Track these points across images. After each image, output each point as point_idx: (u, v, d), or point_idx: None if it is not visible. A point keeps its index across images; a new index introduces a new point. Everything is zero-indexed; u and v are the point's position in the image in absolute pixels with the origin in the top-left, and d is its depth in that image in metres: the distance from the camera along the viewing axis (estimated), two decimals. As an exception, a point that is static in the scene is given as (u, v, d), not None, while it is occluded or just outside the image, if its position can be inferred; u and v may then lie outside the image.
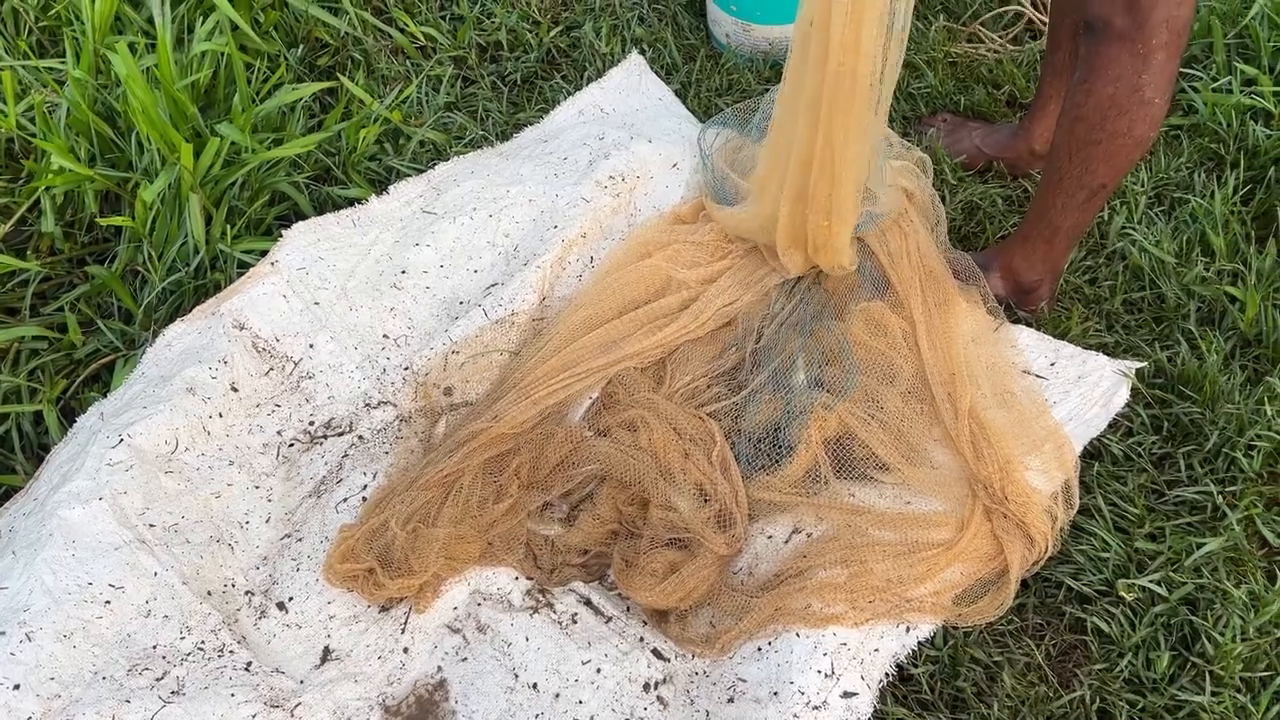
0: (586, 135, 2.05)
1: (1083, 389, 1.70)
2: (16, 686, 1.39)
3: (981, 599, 1.51)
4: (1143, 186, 2.05)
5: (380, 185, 2.06)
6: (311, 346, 1.79)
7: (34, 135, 1.96)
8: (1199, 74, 2.18)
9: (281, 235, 1.88)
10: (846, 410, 1.65)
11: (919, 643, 1.48)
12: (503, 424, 1.65)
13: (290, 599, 1.58)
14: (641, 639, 1.54)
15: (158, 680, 1.45)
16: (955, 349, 1.72)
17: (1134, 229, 1.96)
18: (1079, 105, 1.56)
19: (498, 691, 1.50)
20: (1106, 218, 2.01)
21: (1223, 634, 1.45)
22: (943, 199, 2.11)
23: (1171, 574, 1.52)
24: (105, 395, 1.76)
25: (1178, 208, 2.03)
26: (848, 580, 1.51)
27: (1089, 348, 1.80)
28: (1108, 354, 1.78)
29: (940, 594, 1.51)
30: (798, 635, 1.46)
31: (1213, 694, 1.42)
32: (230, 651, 1.50)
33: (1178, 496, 1.62)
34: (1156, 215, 2.02)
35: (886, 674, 1.46)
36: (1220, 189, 1.99)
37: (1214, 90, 2.15)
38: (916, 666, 1.47)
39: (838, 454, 1.65)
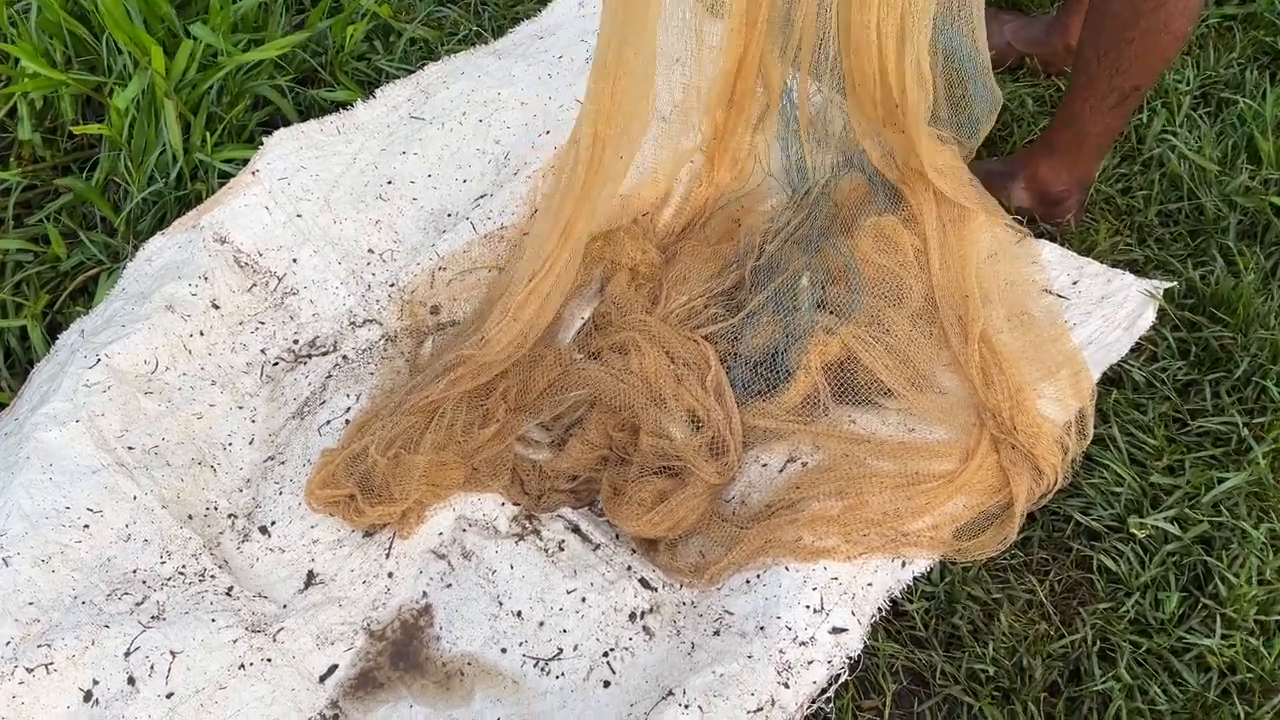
0: (584, 31, 1.93)
1: (1106, 310, 1.60)
2: (-6, 611, 1.38)
3: (984, 533, 1.45)
4: (1187, 85, 1.89)
5: (369, 88, 1.96)
6: (295, 261, 1.73)
7: (3, 38, 1.88)
8: (1258, -42, 1.99)
9: (263, 143, 1.80)
10: (850, 334, 1.56)
11: (914, 578, 1.43)
12: (489, 351, 1.58)
13: (273, 523, 1.55)
14: (629, 568, 1.49)
15: (138, 605, 1.44)
16: (969, 269, 1.61)
17: (1174, 133, 1.82)
18: None
19: (482, 618, 1.47)
20: (1145, 120, 1.87)
21: (1238, 575, 1.38)
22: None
23: (1188, 510, 1.44)
24: (89, 310, 1.72)
25: (1224, 109, 1.87)
26: (842, 513, 1.45)
27: (1117, 264, 1.68)
28: (1137, 271, 1.67)
29: (939, 528, 1.44)
30: (787, 569, 1.41)
31: (1223, 637, 1.35)
32: (211, 576, 1.48)
33: (1200, 427, 1.52)
34: (1200, 118, 1.87)
35: (879, 609, 1.41)
36: (1273, 88, 1.83)
37: (1274, -24, 1.96)
38: (911, 602, 1.42)
39: (839, 379, 1.57)
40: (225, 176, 1.81)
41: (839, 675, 1.35)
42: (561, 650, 1.43)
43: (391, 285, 1.72)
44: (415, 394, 1.57)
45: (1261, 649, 1.34)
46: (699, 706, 1.29)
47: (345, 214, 1.77)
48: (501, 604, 1.48)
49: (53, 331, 1.74)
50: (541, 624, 1.46)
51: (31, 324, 1.73)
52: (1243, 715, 1.30)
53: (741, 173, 1.81)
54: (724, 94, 1.71)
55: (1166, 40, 1.43)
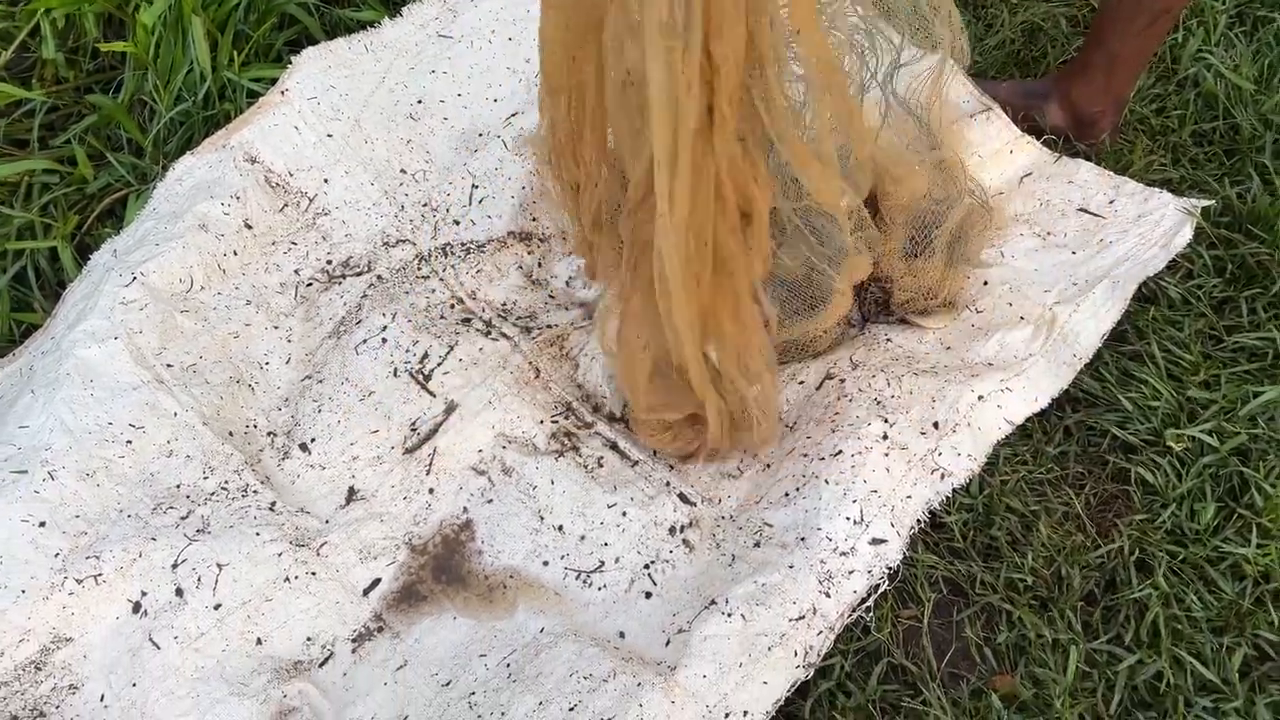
0: (615, -51, 1.89)
1: (1142, 228, 1.59)
2: (42, 524, 1.40)
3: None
4: (1224, 4, 1.87)
5: (395, 6, 1.93)
6: (326, 181, 1.72)
7: (26, -47, 1.85)
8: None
9: (291, 62, 1.78)
10: (886, 253, 1.56)
11: (954, 490, 1.44)
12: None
13: (313, 440, 1.56)
14: (667, 484, 1.51)
15: (183, 519, 1.45)
16: None
17: (1210, 52, 1.80)
18: None
19: (523, 533, 1.48)
20: (1180, 39, 1.85)
21: (1274, 486, 1.39)
22: (1000, 20, 1.95)
23: (1224, 424, 1.45)
24: (119, 231, 1.71)
25: (1261, 28, 1.85)
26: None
27: (1152, 183, 1.67)
28: (1173, 190, 1.66)
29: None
30: (826, 482, 1.42)
31: (1258, 546, 1.37)
32: (254, 491, 1.49)
33: (1236, 343, 1.53)
34: (1237, 37, 1.85)
35: (918, 521, 1.42)
36: (1311, 6, 1.81)
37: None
38: (950, 514, 1.43)
39: (876, 298, 1.57)
40: (253, 96, 1.79)
41: (879, 585, 1.36)
42: (603, 563, 1.45)
43: (424, 205, 1.71)
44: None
45: (1296, 558, 1.36)
46: (741, 615, 1.31)
47: (376, 134, 1.75)
48: (543, 519, 1.49)
49: (82, 253, 1.73)
50: (583, 538, 1.47)
51: (61, 245, 1.72)
52: (1277, 621, 1.32)
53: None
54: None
55: None
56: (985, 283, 1.58)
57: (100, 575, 1.38)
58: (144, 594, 1.39)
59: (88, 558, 1.38)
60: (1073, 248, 1.60)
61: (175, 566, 1.40)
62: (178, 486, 1.48)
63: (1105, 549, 1.40)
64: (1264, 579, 1.35)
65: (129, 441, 1.47)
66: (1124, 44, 1.61)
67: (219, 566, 1.41)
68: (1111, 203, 1.64)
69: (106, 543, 1.40)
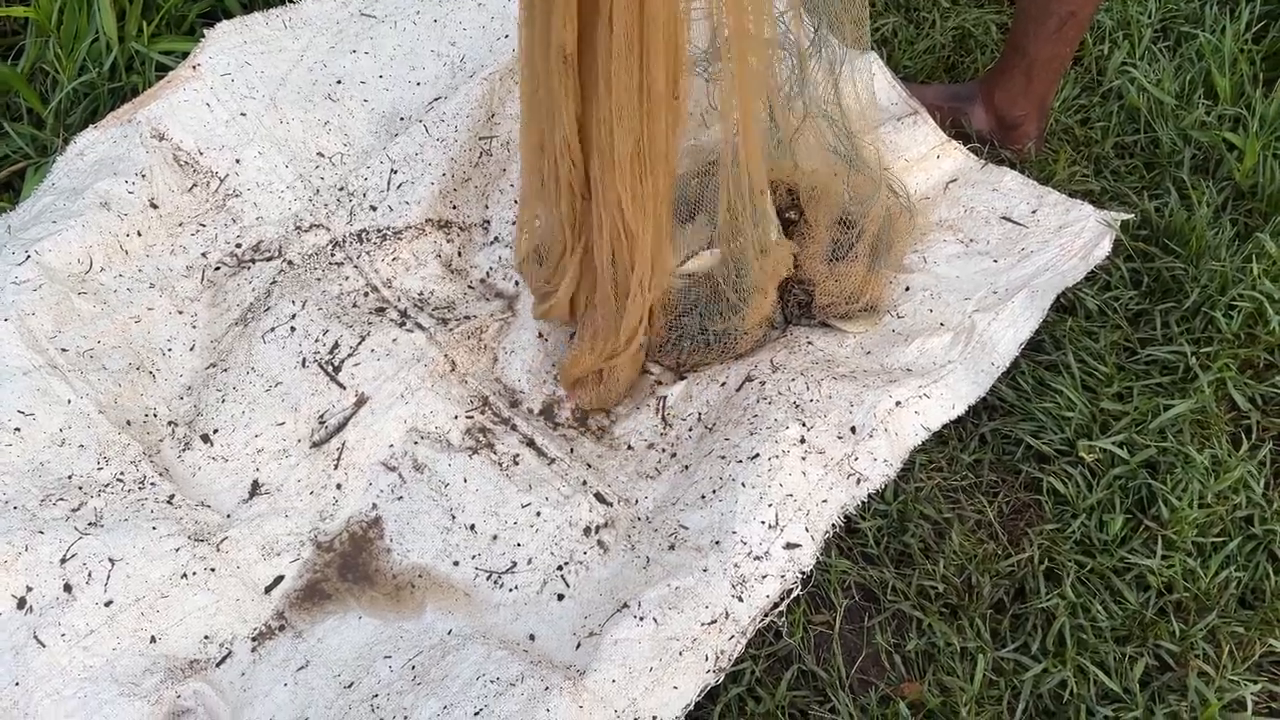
0: (546, -66, 1.85)
1: (1063, 239, 1.61)
2: (-81, 515, 1.32)
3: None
4: (1150, 18, 1.89)
5: (317, -18, 1.87)
6: (238, 162, 1.65)
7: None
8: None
9: (204, 35, 1.71)
10: (806, 255, 1.55)
11: (869, 495, 1.43)
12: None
13: (215, 431, 1.50)
14: (585, 483, 1.48)
15: (74, 511, 1.38)
16: None
17: (1134, 65, 1.82)
18: None
19: (434, 531, 1.45)
20: (1106, 52, 1.87)
21: (1180, 498, 1.41)
22: (932, 24, 1.96)
23: (1135, 436, 1.47)
24: (14, 206, 1.63)
25: (1184, 44, 1.88)
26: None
27: (1074, 194, 1.69)
28: (1093, 201, 1.68)
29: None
30: (743, 485, 1.41)
31: (1163, 557, 1.39)
32: (152, 483, 1.43)
33: (1150, 355, 1.55)
34: (1160, 51, 1.87)
35: (833, 526, 1.41)
36: (1232, 24, 1.84)
37: (1238, -88, 1.96)
38: (864, 520, 1.43)
39: (799, 300, 1.56)
40: (163, 70, 1.72)
41: (791, 589, 1.36)
42: (515, 564, 1.42)
43: (341, 189, 1.66)
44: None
45: (1199, 569, 1.38)
46: (654, 619, 1.29)
47: (292, 114, 1.69)
48: (454, 517, 1.46)
49: (-25, 228, 1.64)
50: (495, 538, 1.44)
51: (-48, 218, 1.63)
52: (1178, 632, 1.34)
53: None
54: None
55: None
56: (907, 288, 1.58)
57: (-18, 569, 1.31)
58: (29, 589, 1.33)
59: (-32, 551, 1.31)
60: (994, 255, 1.61)
61: (64, 561, 1.34)
62: (69, 477, 1.41)
63: (1016, 558, 1.41)
64: (1167, 590, 1.37)
65: (17, 429, 1.40)
66: (1037, 48, 1.63)
67: (111, 561, 1.35)
68: (1034, 212, 1.65)
69: (-11, 535, 1.33)
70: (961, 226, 1.65)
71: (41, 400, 1.42)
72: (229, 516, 1.45)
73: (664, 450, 1.52)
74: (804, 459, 1.41)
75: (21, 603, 1.32)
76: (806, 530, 1.39)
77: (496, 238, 1.69)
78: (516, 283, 1.65)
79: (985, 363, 1.51)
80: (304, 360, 1.54)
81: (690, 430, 1.53)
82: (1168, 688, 1.31)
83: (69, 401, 1.44)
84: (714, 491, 1.43)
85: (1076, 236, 1.61)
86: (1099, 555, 1.40)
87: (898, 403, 1.46)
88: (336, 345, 1.54)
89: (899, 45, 1.93)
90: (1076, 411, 1.49)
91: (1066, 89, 1.81)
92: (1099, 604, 1.36)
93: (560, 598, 1.40)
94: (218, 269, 1.62)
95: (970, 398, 1.50)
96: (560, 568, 1.42)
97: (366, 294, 1.61)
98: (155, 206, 1.60)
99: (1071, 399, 1.50)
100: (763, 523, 1.38)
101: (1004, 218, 1.65)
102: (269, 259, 1.62)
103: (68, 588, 1.33)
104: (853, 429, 1.44)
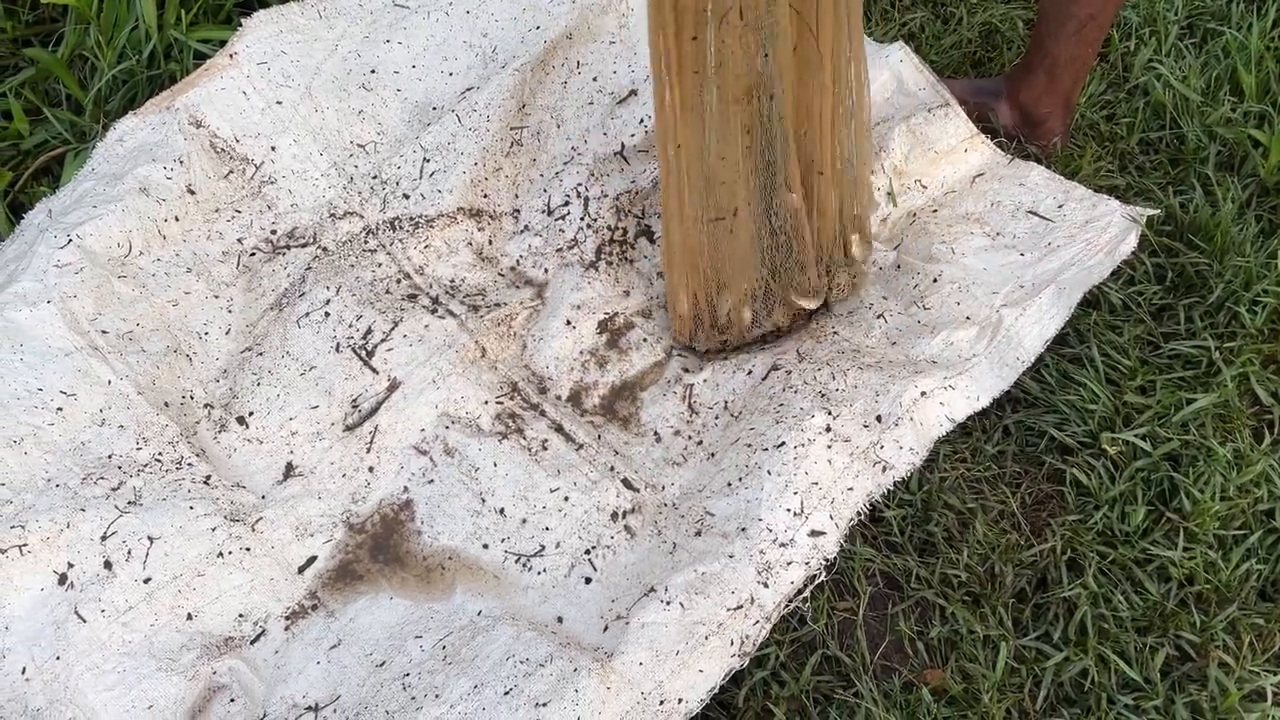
0: (578, -75, 1.87)
1: (1089, 234, 1.62)
2: (-35, 491, 1.35)
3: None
4: (1176, 15, 1.90)
5: (350, -27, 1.89)
6: (274, 149, 1.68)
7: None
8: (1252, -111, 1.99)
9: (241, 24, 1.73)
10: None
11: (894, 484, 1.45)
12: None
13: (251, 414, 1.53)
14: (612, 468, 1.51)
15: (113, 490, 1.42)
16: None
17: (1161, 62, 1.83)
18: None
19: (464, 514, 1.47)
20: (1132, 49, 1.87)
21: (1202, 491, 1.42)
22: (959, 20, 1.97)
23: (1158, 429, 1.48)
24: (55, 190, 1.66)
25: (1210, 41, 1.89)
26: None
27: (1099, 189, 1.70)
28: (1118, 197, 1.69)
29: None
30: (769, 473, 1.43)
31: (1184, 549, 1.40)
32: (189, 464, 1.46)
33: (1173, 350, 1.56)
34: (1186, 48, 1.88)
35: (858, 514, 1.43)
36: (1259, 21, 1.85)
37: (1266, -91, 1.97)
38: (889, 509, 1.45)
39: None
40: (200, 57, 1.75)
41: (816, 577, 1.38)
42: (544, 547, 1.45)
43: (374, 177, 1.68)
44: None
45: (1219, 561, 1.39)
46: (680, 603, 1.31)
47: (327, 103, 1.72)
48: (484, 501, 1.48)
49: (15, 211, 1.68)
50: (524, 521, 1.47)
51: (-7, 202, 1.67)
52: (1198, 623, 1.35)
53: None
54: None
55: None
56: (935, 279, 1.59)
57: (25, 545, 1.34)
58: (70, 565, 1.36)
59: (12, 527, 1.35)
60: (1021, 249, 1.62)
61: (104, 538, 1.37)
62: (109, 457, 1.44)
63: (1038, 548, 1.42)
64: (1188, 582, 1.39)
65: (59, 409, 1.43)
66: (1059, 48, 1.65)
67: (150, 540, 1.38)
68: (1060, 207, 1.66)
69: (33, 512, 1.36)
70: (988, 220, 1.66)
71: (83, 381, 1.45)
72: (264, 497, 1.47)
73: (690, 438, 1.54)
74: (829, 447, 1.43)
75: (63, 579, 1.36)
76: (831, 518, 1.41)
77: (526, 226, 1.71)
78: (546, 270, 1.68)
79: (1010, 357, 1.52)
80: (338, 345, 1.56)
81: (717, 418, 1.55)
82: (1188, 678, 1.33)
83: (109, 382, 1.47)
84: (740, 479, 1.45)
85: (1102, 231, 1.62)
86: (1121, 546, 1.41)
87: (923, 393, 1.48)
88: (370, 331, 1.57)
89: (926, 40, 1.94)
90: (1100, 404, 1.50)
91: (1093, 85, 1.82)
92: (1120, 594, 1.37)
93: (588, 581, 1.42)
94: (253, 255, 1.65)
95: (994, 391, 1.51)
96: (588, 552, 1.44)
97: (399, 280, 1.64)
98: (192, 192, 1.63)
99: (1095, 392, 1.51)
100: (788, 510, 1.40)
101: (1030, 212, 1.66)
102: (304, 245, 1.65)
103: (108, 564, 1.36)
104: (878, 418, 1.46)
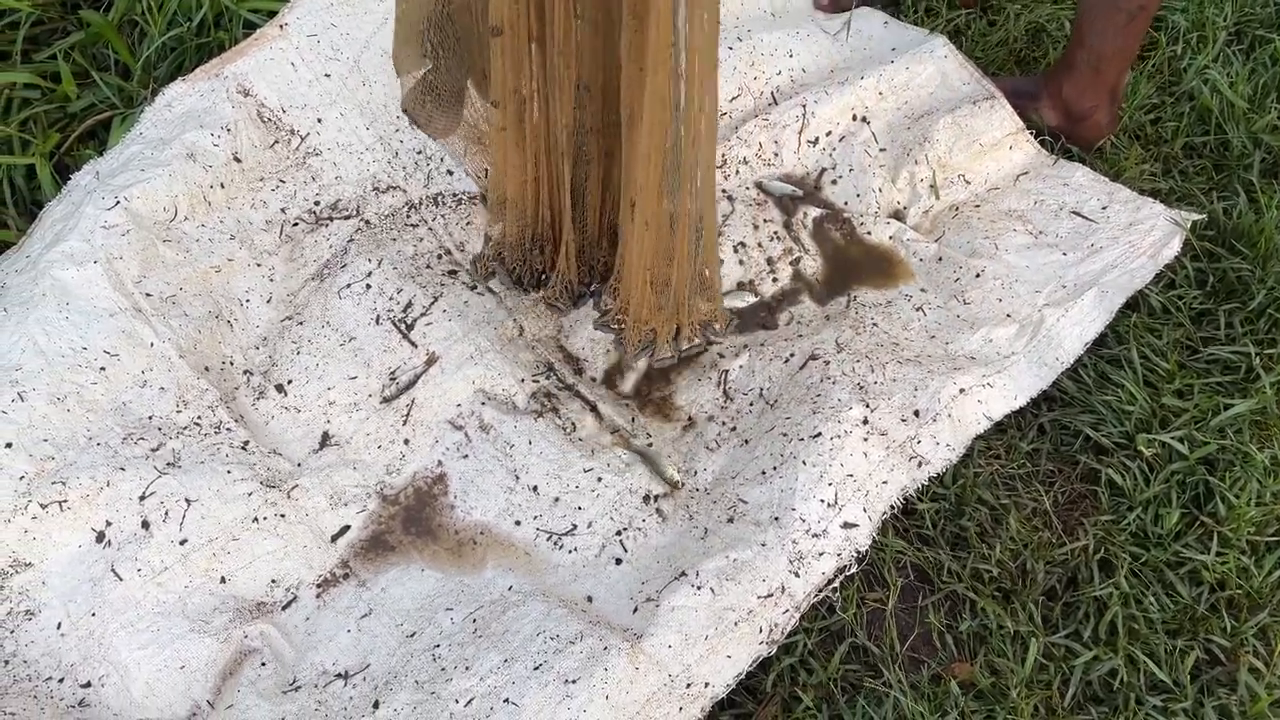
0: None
1: (1132, 237, 1.61)
2: (9, 445, 1.37)
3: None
4: (1225, 20, 1.89)
5: (400, -52, 1.89)
6: (320, 121, 1.69)
7: None
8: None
9: (291, -5, 1.74)
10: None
11: (929, 478, 1.45)
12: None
13: (290, 382, 1.54)
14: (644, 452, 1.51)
15: (153, 451, 1.43)
16: None
17: (1208, 67, 1.82)
18: None
19: (497, 491, 1.48)
20: (1179, 53, 1.86)
21: (1238, 496, 1.42)
22: (1007, 19, 1.96)
23: (1194, 432, 1.48)
24: (101, 153, 1.67)
25: (1258, 48, 1.88)
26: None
27: (1142, 192, 1.70)
28: (1161, 201, 1.68)
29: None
30: (804, 463, 1.43)
31: (1217, 554, 1.40)
32: (227, 429, 1.47)
33: (1212, 355, 1.56)
34: (1234, 54, 1.87)
35: (891, 507, 1.43)
36: (1309, 30, 1.84)
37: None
38: (922, 502, 1.45)
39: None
40: (250, 27, 1.75)
41: (846, 567, 1.38)
42: (575, 526, 1.45)
43: (419, 153, 1.69)
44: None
45: (1252, 567, 1.39)
46: (711, 588, 1.32)
47: (375, 77, 1.72)
48: (518, 478, 1.49)
49: (61, 173, 1.69)
50: (557, 500, 1.47)
51: (40, 162, 1.68)
52: (1229, 628, 1.35)
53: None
54: None
55: None
56: (978, 275, 1.59)
57: (65, 502, 1.36)
58: (109, 524, 1.37)
59: (53, 483, 1.36)
60: (1064, 249, 1.62)
61: (143, 498, 1.38)
62: (150, 418, 1.45)
63: (1070, 546, 1.42)
64: (1220, 586, 1.39)
65: (103, 368, 1.44)
66: (1105, 42, 1.65)
67: (187, 502, 1.39)
68: (1104, 208, 1.65)
69: (74, 469, 1.37)
70: (1031, 218, 1.66)
71: (126, 342, 1.46)
72: (299, 465, 1.48)
73: (724, 424, 1.54)
74: (866, 440, 1.43)
75: (101, 536, 1.37)
76: (864, 510, 1.41)
77: (567, 208, 1.71)
78: (585, 253, 1.68)
79: (1050, 358, 1.52)
80: (378, 317, 1.57)
81: (751, 405, 1.55)
82: (1217, 681, 1.33)
83: (151, 345, 1.48)
84: (774, 468, 1.45)
85: (1146, 234, 1.61)
86: (1153, 548, 1.41)
87: (961, 390, 1.48)
88: (410, 304, 1.58)
89: (971, 37, 1.93)
90: (1137, 406, 1.50)
91: (1143, 88, 1.81)
92: (1151, 596, 1.37)
93: (618, 562, 1.43)
94: (296, 225, 1.65)
95: (1032, 390, 1.51)
96: (619, 533, 1.45)
97: (440, 256, 1.64)
98: (238, 160, 1.64)
99: (1133, 393, 1.51)
100: (822, 501, 1.40)
101: (1074, 212, 1.66)
102: (346, 218, 1.66)
103: (145, 524, 1.38)
104: (916, 413, 1.46)
